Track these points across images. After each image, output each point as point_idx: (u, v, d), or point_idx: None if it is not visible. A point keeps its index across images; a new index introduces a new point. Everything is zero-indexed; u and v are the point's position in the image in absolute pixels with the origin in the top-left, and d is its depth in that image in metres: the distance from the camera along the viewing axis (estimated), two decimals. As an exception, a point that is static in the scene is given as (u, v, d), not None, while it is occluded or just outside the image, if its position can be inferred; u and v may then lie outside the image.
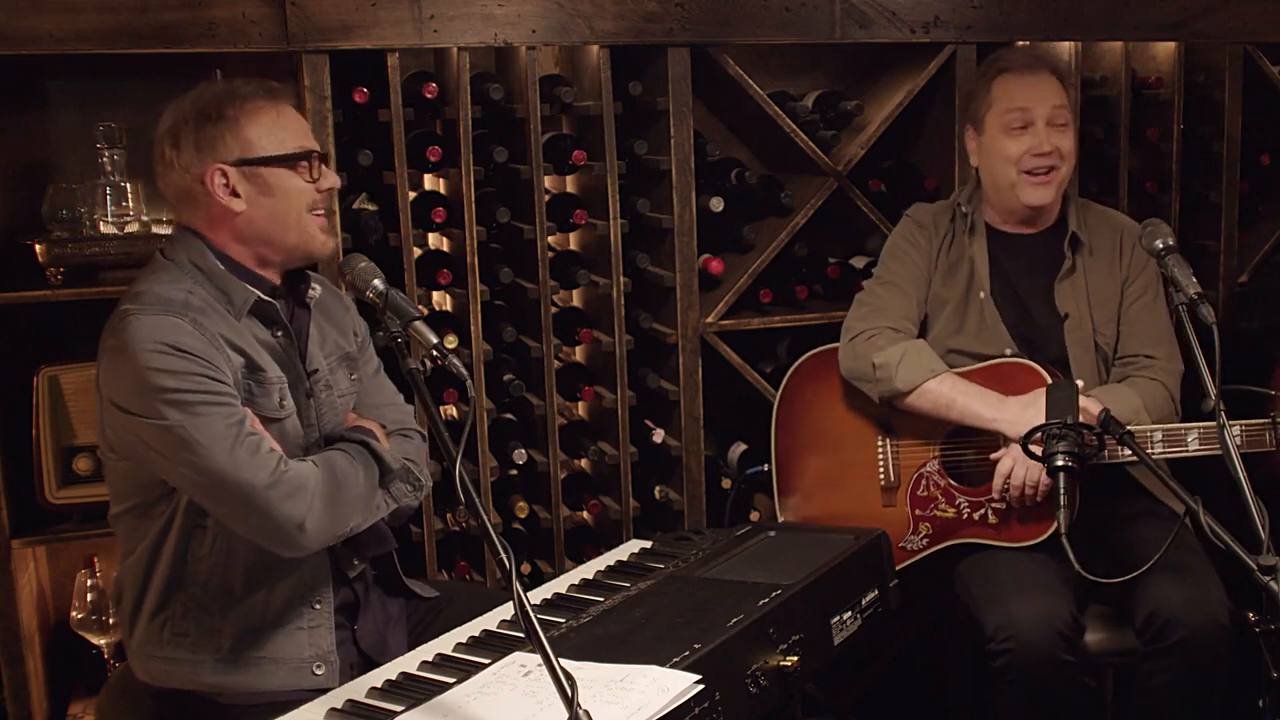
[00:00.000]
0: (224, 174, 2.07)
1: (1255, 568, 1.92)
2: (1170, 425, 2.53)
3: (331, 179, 2.17)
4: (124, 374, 1.99)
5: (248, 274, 2.12)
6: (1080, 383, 2.55)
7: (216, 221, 2.11)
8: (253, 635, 2.09)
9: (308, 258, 2.17)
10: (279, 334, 2.14)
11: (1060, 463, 2.19)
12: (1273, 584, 1.90)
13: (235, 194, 2.08)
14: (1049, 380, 2.54)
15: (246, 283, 2.10)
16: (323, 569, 2.15)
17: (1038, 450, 2.28)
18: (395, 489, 2.20)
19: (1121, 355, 2.75)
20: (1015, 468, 2.52)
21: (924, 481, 2.74)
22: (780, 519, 2.90)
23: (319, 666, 2.12)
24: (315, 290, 2.23)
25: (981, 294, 2.75)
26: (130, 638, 2.15)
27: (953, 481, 2.72)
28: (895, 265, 2.82)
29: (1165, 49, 3.38)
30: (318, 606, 2.14)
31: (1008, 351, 2.71)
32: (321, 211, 2.16)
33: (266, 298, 2.12)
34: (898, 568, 2.67)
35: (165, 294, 2.03)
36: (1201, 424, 2.45)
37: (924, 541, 2.73)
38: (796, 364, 2.92)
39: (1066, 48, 3.23)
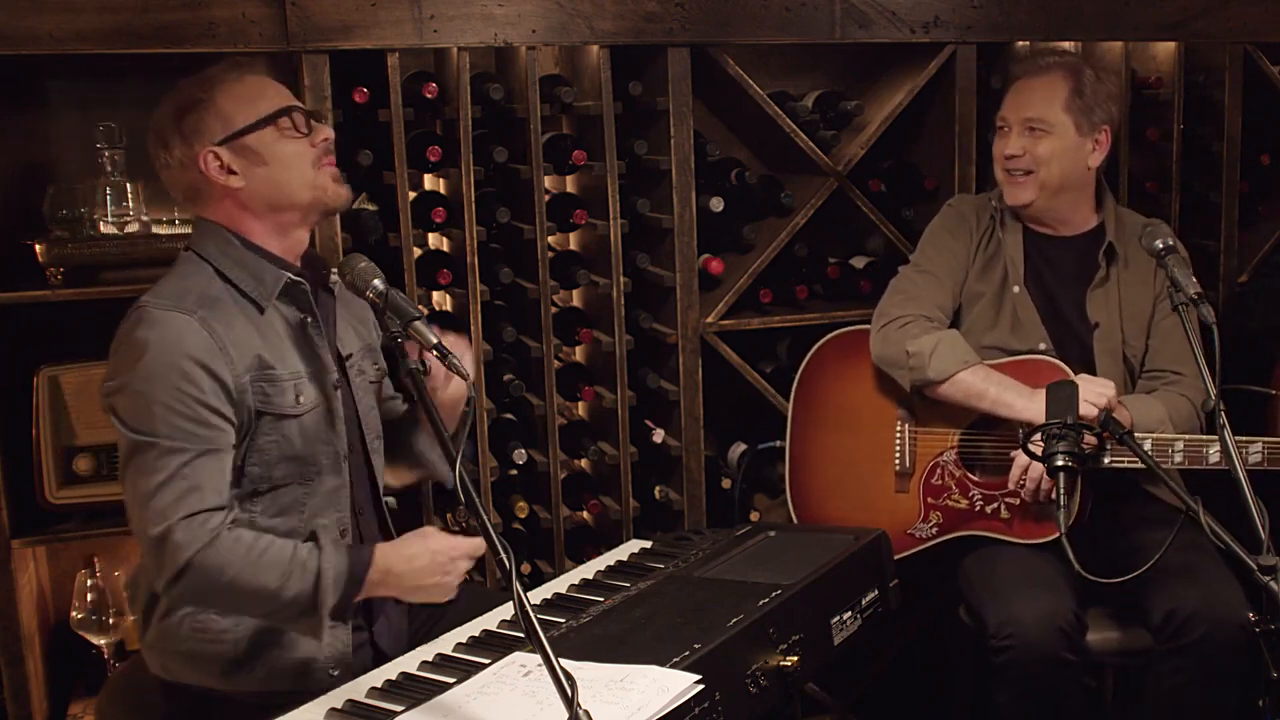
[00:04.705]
0: (215, 155, 2.07)
1: (1255, 568, 1.92)
2: (1191, 437, 2.53)
3: (325, 131, 2.15)
4: (118, 365, 2.01)
5: (273, 257, 2.12)
6: (1111, 385, 2.55)
7: (227, 205, 2.11)
8: (270, 634, 2.08)
9: (325, 211, 2.18)
10: (309, 320, 2.14)
11: (1060, 463, 2.19)
12: (1273, 584, 1.90)
13: (231, 171, 2.08)
14: (1073, 377, 2.54)
15: (274, 265, 2.11)
16: None
17: (1038, 450, 2.28)
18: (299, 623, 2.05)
19: (1149, 369, 2.76)
20: (1034, 462, 2.53)
21: (939, 470, 2.75)
22: (789, 496, 2.91)
23: (335, 669, 2.10)
24: (336, 276, 2.23)
25: (1015, 288, 2.76)
26: (145, 633, 2.15)
27: (968, 473, 2.73)
28: (934, 254, 2.83)
29: (1165, 49, 3.37)
30: None
31: (1040, 346, 2.72)
32: (330, 163, 2.15)
33: (297, 278, 2.12)
34: (904, 555, 2.69)
35: (181, 286, 2.05)
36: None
37: (933, 530, 2.73)
38: (821, 341, 2.93)
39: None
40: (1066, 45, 3.23)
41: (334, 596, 1.99)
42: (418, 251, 2.87)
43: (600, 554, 2.59)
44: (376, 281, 2.02)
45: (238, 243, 2.11)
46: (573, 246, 3.16)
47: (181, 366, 1.96)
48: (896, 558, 2.52)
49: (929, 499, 2.75)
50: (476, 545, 2.07)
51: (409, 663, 2.03)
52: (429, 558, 2.04)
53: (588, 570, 2.42)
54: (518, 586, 1.67)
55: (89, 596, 2.80)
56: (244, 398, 2.02)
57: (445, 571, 2.04)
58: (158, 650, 2.13)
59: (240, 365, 2.02)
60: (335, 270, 2.22)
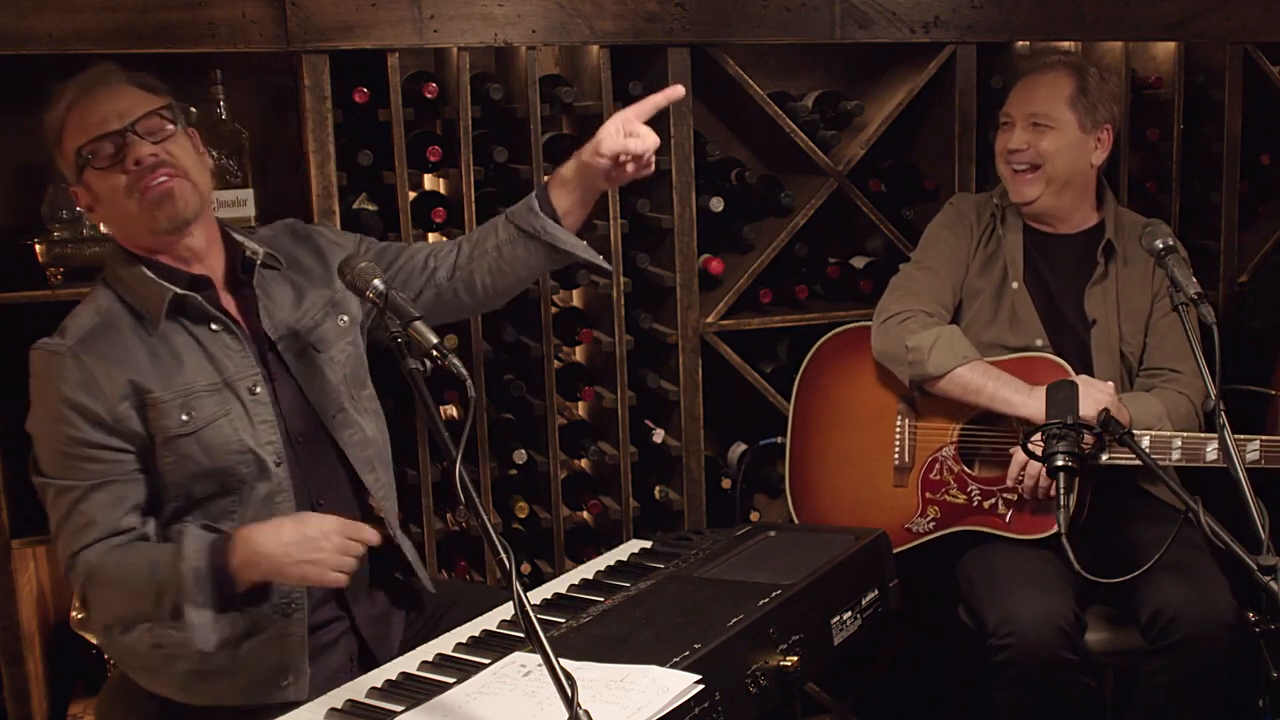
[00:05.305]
0: (77, 193, 2.10)
1: (1255, 568, 1.92)
2: (1189, 434, 2.54)
3: (135, 152, 2.00)
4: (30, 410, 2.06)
5: (167, 270, 2.08)
6: (1110, 384, 2.56)
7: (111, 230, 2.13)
8: (223, 647, 2.03)
9: (168, 231, 2.05)
10: (216, 328, 2.08)
11: (1060, 463, 2.19)
12: (1273, 584, 1.90)
13: (90, 207, 2.09)
14: (1074, 377, 2.55)
15: (167, 280, 2.06)
16: None
17: (1038, 450, 2.28)
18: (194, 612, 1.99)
19: (1147, 367, 2.77)
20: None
21: (938, 465, 2.76)
22: (789, 495, 2.91)
23: (287, 679, 2.07)
24: (257, 254, 2.16)
25: (1014, 284, 2.78)
26: (111, 653, 2.17)
27: (967, 468, 2.73)
28: (934, 251, 2.85)
29: (1165, 49, 3.38)
30: (292, 612, 2.09)
31: (1038, 342, 2.73)
32: (159, 180, 2.02)
33: (184, 291, 2.06)
34: (901, 549, 2.70)
35: (74, 321, 2.05)
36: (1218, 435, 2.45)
37: (930, 525, 2.74)
38: (825, 337, 2.96)
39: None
40: (1067, 45, 3.23)
41: (203, 592, 1.94)
42: (418, 251, 2.87)
43: (600, 554, 2.58)
44: (376, 282, 2.01)
45: (134, 261, 2.08)
46: (573, 246, 3.16)
47: (57, 409, 1.98)
48: (894, 552, 2.52)
49: (927, 494, 2.76)
50: (354, 526, 2.00)
51: (409, 663, 2.03)
52: (299, 535, 1.97)
53: (588, 570, 2.42)
54: (518, 586, 1.67)
55: (89, 596, 2.80)
56: (127, 424, 2.00)
57: (319, 549, 1.96)
58: (130, 668, 2.13)
59: (113, 396, 1.99)
60: (252, 252, 2.15)
